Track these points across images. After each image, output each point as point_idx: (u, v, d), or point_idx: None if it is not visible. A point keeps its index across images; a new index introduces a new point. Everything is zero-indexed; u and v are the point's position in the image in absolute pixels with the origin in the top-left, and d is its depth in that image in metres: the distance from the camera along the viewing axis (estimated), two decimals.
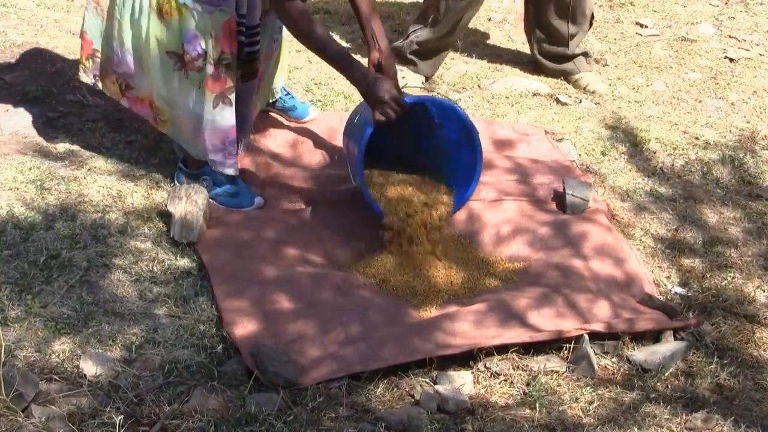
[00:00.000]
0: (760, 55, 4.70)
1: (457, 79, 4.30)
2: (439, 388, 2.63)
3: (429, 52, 4.18)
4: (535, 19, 4.32)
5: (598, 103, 4.19)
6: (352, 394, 2.59)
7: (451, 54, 4.52)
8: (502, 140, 3.78)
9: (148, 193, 3.33)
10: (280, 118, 3.74)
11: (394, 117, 2.96)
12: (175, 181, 3.32)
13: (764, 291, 3.17)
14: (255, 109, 3.46)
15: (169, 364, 2.62)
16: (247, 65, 3.19)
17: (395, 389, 2.64)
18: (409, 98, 3.05)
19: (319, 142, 3.66)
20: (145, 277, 2.95)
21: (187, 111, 3.15)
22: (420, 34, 4.15)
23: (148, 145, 3.60)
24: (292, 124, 3.72)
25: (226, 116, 3.12)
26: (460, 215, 3.33)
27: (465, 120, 3.16)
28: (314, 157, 3.59)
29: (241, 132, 3.28)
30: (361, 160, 3.05)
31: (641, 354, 2.82)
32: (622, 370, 2.80)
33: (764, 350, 2.92)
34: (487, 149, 3.73)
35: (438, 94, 3.57)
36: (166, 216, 3.17)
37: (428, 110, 3.25)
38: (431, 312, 2.92)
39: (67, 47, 4.21)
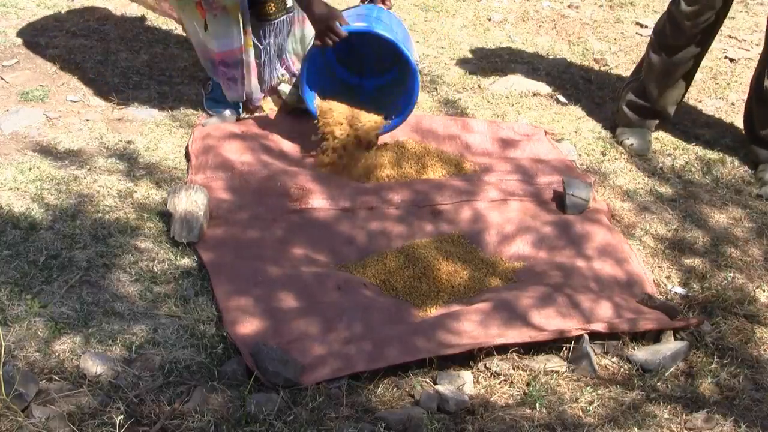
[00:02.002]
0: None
1: (457, 79, 4.30)
2: (440, 388, 2.63)
3: None
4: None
5: (598, 104, 4.20)
6: (353, 394, 2.59)
7: (451, 54, 4.53)
8: (504, 140, 3.79)
9: (148, 193, 3.33)
10: (289, 113, 3.80)
11: (331, 44, 3.43)
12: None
13: (765, 291, 3.17)
14: (289, 55, 3.82)
15: (169, 364, 2.62)
16: (258, 6, 3.60)
17: (395, 389, 2.64)
18: (348, 28, 3.40)
19: (325, 144, 3.66)
20: (145, 277, 2.95)
21: (191, 30, 3.66)
22: None
23: (148, 145, 3.60)
24: (301, 123, 3.73)
25: (206, 41, 3.60)
26: (464, 215, 3.33)
27: (402, 52, 3.45)
28: (319, 157, 3.59)
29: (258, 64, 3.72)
30: (304, 75, 3.52)
31: (642, 354, 2.82)
32: (622, 370, 2.80)
33: (765, 350, 2.92)
34: (490, 149, 3.75)
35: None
36: (166, 216, 3.17)
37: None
38: (433, 312, 2.92)
39: (67, 47, 4.22)
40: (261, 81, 3.77)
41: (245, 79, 3.69)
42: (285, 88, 3.82)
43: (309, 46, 3.67)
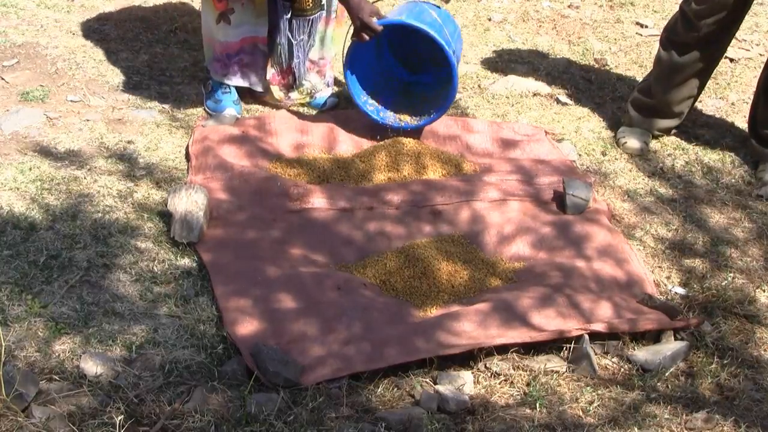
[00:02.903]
0: (761, 55, 4.71)
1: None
2: (440, 388, 2.63)
3: None
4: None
5: (598, 104, 4.20)
6: (353, 394, 2.59)
7: None
8: (505, 141, 3.78)
9: (148, 193, 3.33)
10: (292, 111, 3.84)
11: (367, 39, 3.50)
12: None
13: (765, 291, 3.17)
14: (314, 52, 3.89)
15: (169, 364, 2.62)
16: (299, 1, 3.67)
17: (395, 389, 2.64)
18: (383, 21, 3.48)
19: (324, 144, 3.67)
20: (145, 277, 2.95)
21: (203, 19, 3.76)
22: None
23: (148, 145, 3.60)
24: (301, 122, 3.74)
25: (224, 33, 3.67)
26: (464, 215, 3.33)
27: (438, 43, 3.49)
28: (319, 158, 3.60)
29: (285, 62, 3.82)
30: (348, 67, 3.62)
31: (642, 354, 2.83)
32: (622, 370, 2.80)
33: (765, 350, 2.92)
34: (490, 150, 3.75)
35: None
36: (166, 216, 3.17)
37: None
38: (433, 312, 2.92)
39: (68, 47, 4.22)
40: (290, 75, 3.85)
41: (262, 69, 3.76)
42: (306, 84, 3.88)
43: (328, 44, 3.86)
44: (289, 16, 3.68)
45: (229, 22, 3.64)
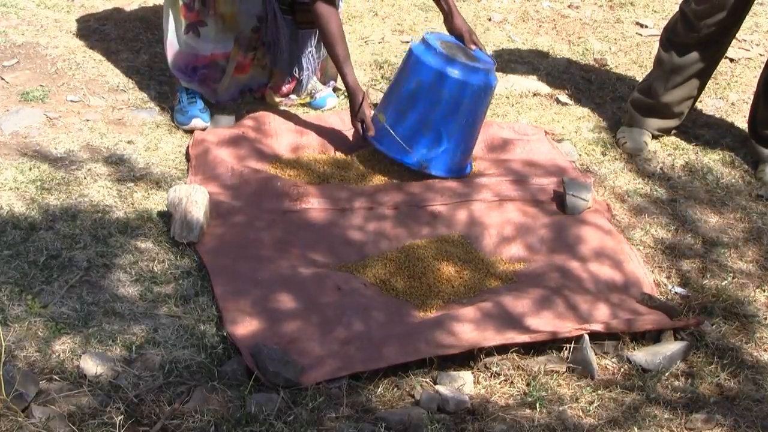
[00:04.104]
0: (761, 55, 4.70)
1: None
2: (440, 388, 2.63)
3: None
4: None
5: (598, 104, 4.20)
6: (353, 394, 2.59)
7: None
8: (504, 141, 3.78)
9: (148, 193, 3.33)
10: (291, 111, 3.83)
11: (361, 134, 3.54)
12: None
13: (764, 291, 3.17)
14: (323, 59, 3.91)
15: (169, 364, 2.62)
16: (302, 14, 3.63)
17: (395, 389, 2.64)
18: (371, 139, 3.48)
19: (323, 144, 3.66)
20: (145, 277, 2.95)
21: (165, 24, 3.65)
22: None
23: (148, 145, 3.60)
24: (300, 123, 3.74)
25: (192, 45, 3.61)
26: (463, 216, 3.33)
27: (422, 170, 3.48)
28: (318, 158, 3.60)
29: (296, 72, 3.82)
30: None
31: (641, 354, 2.83)
32: (622, 370, 2.80)
33: (765, 350, 2.92)
34: (489, 151, 3.74)
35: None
36: (166, 216, 3.17)
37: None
38: (432, 312, 2.92)
39: (68, 47, 4.22)
40: (299, 86, 3.87)
41: (221, 84, 3.72)
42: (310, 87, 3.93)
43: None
44: (293, 29, 3.66)
45: (198, 35, 3.59)
